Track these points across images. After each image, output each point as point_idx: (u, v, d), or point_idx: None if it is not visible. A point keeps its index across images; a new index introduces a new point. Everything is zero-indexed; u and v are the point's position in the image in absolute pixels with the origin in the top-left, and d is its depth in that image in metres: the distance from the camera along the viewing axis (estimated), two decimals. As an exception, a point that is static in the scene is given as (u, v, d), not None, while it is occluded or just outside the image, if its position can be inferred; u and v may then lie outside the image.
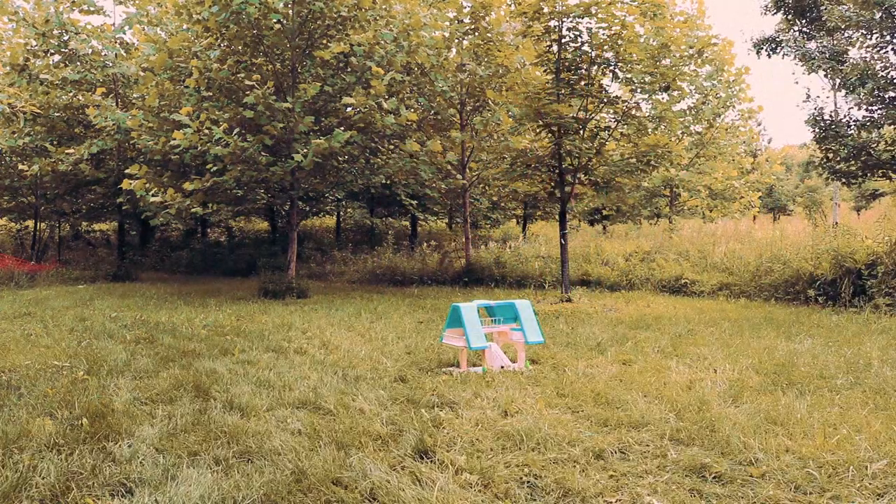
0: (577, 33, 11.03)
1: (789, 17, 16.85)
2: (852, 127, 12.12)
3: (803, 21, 16.81)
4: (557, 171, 11.80)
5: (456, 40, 14.52)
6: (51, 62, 16.41)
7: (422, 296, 12.32)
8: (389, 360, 6.12)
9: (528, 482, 3.30)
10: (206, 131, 11.28)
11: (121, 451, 3.65)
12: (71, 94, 16.66)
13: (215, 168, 11.69)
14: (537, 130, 12.25)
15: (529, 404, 4.59)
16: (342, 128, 12.06)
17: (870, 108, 11.97)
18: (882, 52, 11.85)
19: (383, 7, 12.58)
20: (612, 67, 11.21)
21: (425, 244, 18.43)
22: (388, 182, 14.74)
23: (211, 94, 12.07)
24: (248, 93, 11.27)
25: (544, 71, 11.68)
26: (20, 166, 16.73)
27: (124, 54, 16.79)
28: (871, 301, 9.63)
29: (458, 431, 4.01)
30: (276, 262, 17.34)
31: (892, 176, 12.15)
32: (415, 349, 6.69)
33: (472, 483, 3.26)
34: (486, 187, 19.75)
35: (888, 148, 11.60)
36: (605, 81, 11.53)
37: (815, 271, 10.68)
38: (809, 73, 12.82)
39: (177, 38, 12.31)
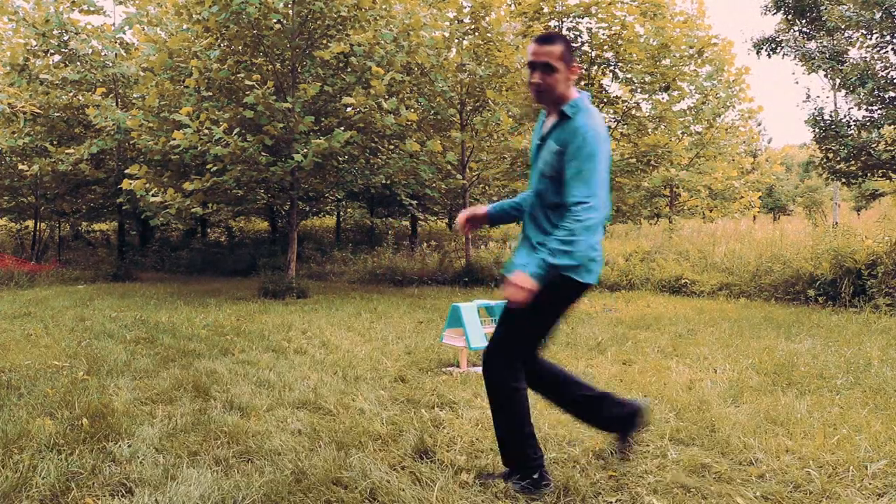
0: (577, 33, 11.04)
1: (789, 17, 16.87)
2: (852, 127, 12.12)
3: (803, 21, 16.83)
4: (557, 171, 11.77)
5: (456, 40, 14.52)
6: (51, 62, 16.40)
7: (422, 296, 12.32)
8: (389, 360, 6.12)
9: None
10: (206, 131, 11.28)
11: (121, 451, 3.65)
12: (71, 94, 16.64)
13: (215, 168, 11.69)
14: (537, 130, 12.25)
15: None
16: (342, 128, 12.06)
17: (870, 108, 11.98)
18: (882, 52, 11.85)
19: (383, 7, 12.58)
20: (612, 67, 11.22)
21: (425, 244, 18.42)
22: (388, 182, 14.73)
23: (211, 94, 12.07)
24: (248, 93, 11.27)
25: (544, 71, 11.70)
26: (20, 166, 16.71)
27: (124, 54, 16.79)
28: (871, 301, 9.62)
29: (458, 431, 4.01)
30: (276, 262, 17.34)
31: (892, 176, 12.16)
32: (415, 349, 6.69)
33: (472, 483, 3.26)
34: (486, 187, 19.78)
35: (888, 148, 11.60)
36: (606, 81, 11.55)
37: (815, 271, 10.67)
38: (809, 73, 12.83)
39: (177, 38, 12.31)
